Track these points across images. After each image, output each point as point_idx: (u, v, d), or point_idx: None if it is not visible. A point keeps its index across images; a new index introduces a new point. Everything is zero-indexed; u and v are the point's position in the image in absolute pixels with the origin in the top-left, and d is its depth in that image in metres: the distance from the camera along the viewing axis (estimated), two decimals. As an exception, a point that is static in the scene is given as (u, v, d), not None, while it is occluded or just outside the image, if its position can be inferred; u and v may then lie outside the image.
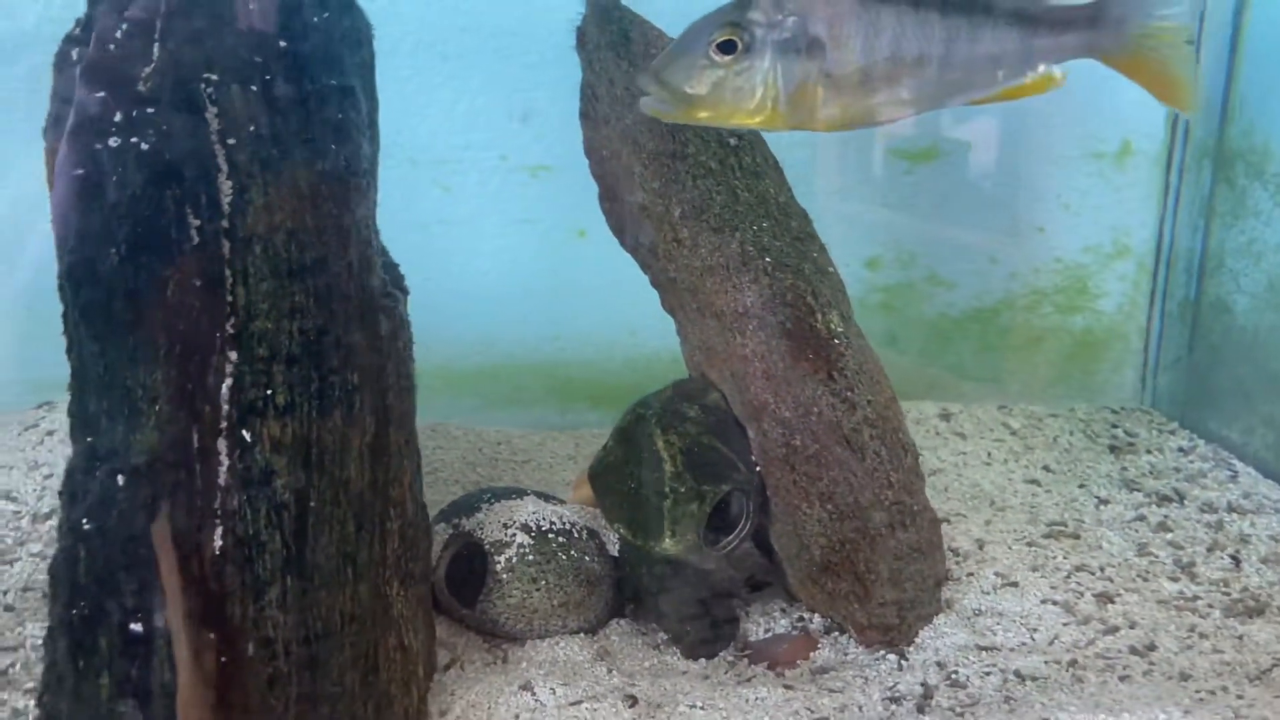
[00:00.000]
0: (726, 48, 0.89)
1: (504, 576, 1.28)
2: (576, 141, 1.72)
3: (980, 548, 1.40)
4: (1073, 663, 1.15)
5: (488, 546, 1.30)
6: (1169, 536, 1.44)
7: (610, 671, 1.25)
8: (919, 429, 1.80)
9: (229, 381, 0.95)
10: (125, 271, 0.93)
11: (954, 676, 1.14)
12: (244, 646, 0.95)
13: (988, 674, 1.14)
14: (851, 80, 0.92)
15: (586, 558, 1.32)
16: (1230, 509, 1.52)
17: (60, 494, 1.00)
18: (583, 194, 1.71)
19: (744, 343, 1.16)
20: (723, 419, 1.30)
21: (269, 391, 0.96)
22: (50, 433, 1.53)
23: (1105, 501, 1.55)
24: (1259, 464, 1.63)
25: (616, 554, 1.37)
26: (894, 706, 1.10)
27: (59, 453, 1.51)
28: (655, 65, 0.93)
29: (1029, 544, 1.42)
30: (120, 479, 0.94)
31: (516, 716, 1.18)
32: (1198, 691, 1.09)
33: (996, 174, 1.78)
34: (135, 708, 0.90)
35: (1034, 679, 1.12)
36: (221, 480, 0.95)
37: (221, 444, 0.96)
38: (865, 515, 1.17)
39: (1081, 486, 1.59)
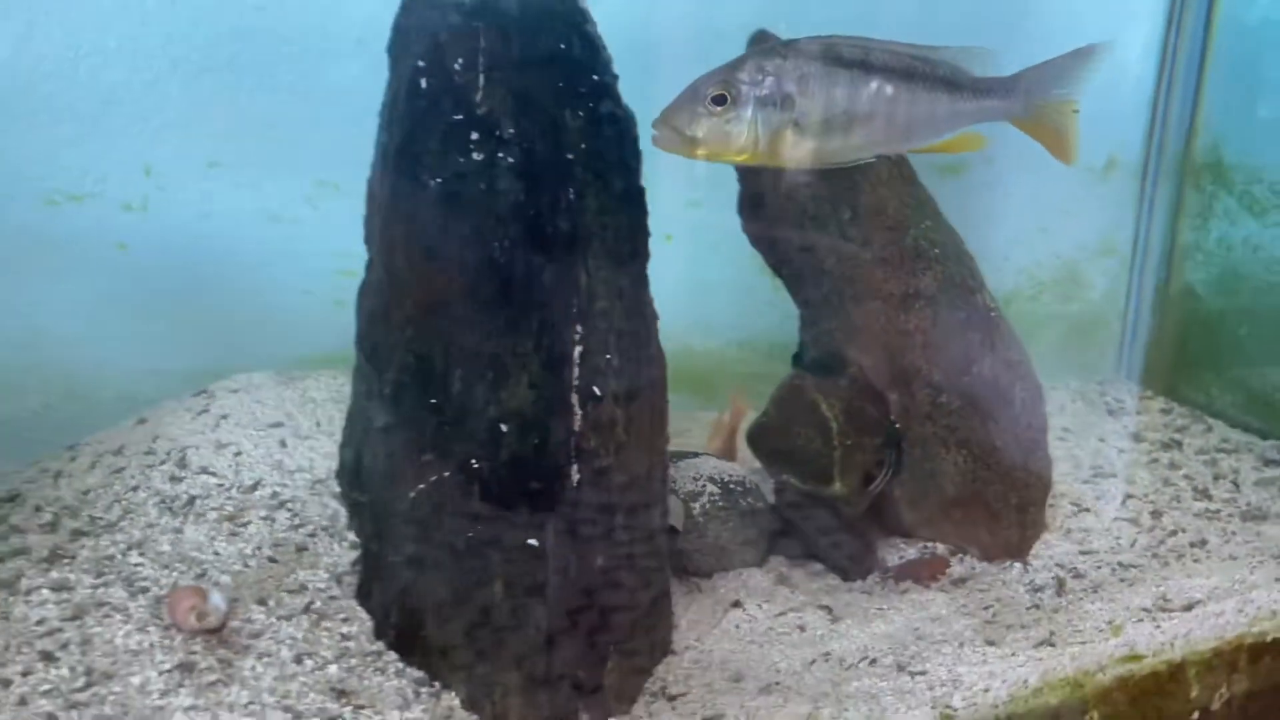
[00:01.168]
0: (719, 100, 1.25)
1: (700, 519, 1.68)
2: (661, 158, 2.12)
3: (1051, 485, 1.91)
4: (1155, 555, 1.67)
5: (683, 495, 1.69)
6: (1182, 472, 1.99)
7: (794, 592, 1.66)
8: None
9: (579, 349, 1.31)
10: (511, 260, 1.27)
11: (1074, 570, 1.63)
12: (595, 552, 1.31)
13: (1099, 568, 1.64)
14: (816, 128, 1.28)
15: (758, 504, 1.73)
16: (1218, 450, 2.09)
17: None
18: (669, 204, 2.11)
19: (907, 320, 1.61)
20: (864, 387, 1.74)
21: (608, 356, 1.32)
22: (224, 416, 1.79)
23: (1123, 451, 2.09)
24: (1225, 418, 2.21)
25: (773, 502, 1.79)
26: (1038, 594, 1.58)
27: (239, 434, 1.78)
28: (665, 111, 1.28)
29: (1084, 482, 1.93)
30: (503, 426, 1.28)
31: (737, 625, 1.57)
32: (1249, 566, 1.63)
33: (1010, 186, 2.30)
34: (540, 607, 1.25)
35: (1134, 566, 1.63)
36: (577, 426, 1.31)
37: (574, 397, 1.31)
38: (1000, 455, 1.64)
39: (1101, 440, 2.13)
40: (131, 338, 1.88)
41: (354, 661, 1.35)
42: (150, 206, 1.82)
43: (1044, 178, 2.31)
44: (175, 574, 1.49)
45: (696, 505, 1.65)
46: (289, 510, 1.65)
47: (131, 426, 1.81)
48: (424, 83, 1.32)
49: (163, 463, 1.72)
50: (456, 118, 1.30)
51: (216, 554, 1.55)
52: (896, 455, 1.70)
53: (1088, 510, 1.80)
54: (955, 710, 1.32)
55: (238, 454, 1.74)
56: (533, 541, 1.26)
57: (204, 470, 1.71)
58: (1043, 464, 1.67)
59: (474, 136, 1.31)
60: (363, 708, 1.27)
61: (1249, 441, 2.12)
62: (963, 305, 1.56)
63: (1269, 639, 1.51)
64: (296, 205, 1.93)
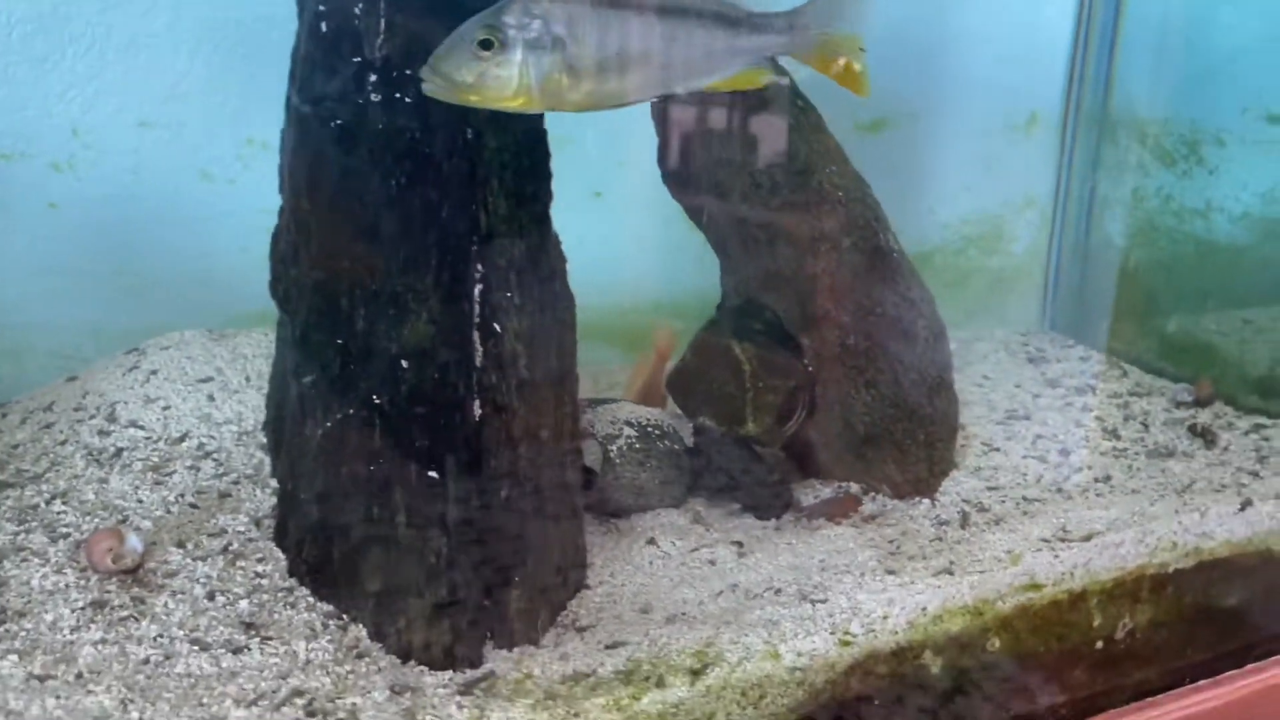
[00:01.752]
0: (486, 45, 1.16)
1: (618, 461, 1.67)
2: (593, 118, 2.12)
3: (963, 428, 1.91)
4: (1059, 490, 1.68)
5: (600, 439, 1.69)
6: (1093, 414, 2.00)
7: (709, 529, 1.66)
8: None
9: (479, 286, 1.31)
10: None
11: (979, 505, 1.64)
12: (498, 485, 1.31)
13: (1003, 502, 1.64)
14: (589, 71, 1.20)
15: (675, 446, 1.73)
16: (1130, 394, 2.10)
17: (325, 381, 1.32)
18: (599, 162, 2.11)
19: (815, 263, 1.61)
20: (779, 332, 1.74)
21: (508, 294, 1.32)
22: (154, 372, 1.77)
23: (1038, 395, 2.09)
24: (1141, 364, 2.22)
25: (690, 445, 1.79)
26: (943, 527, 1.58)
27: (168, 389, 1.76)
28: (433, 58, 1.17)
29: (997, 423, 1.94)
30: (404, 363, 1.27)
31: (650, 562, 1.57)
32: (1150, 499, 1.64)
33: (935, 143, 2.30)
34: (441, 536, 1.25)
35: (1038, 500, 1.64)
36: (478, 361, 1.30)
37: (474, 334, 1.31)
38: (907, 393, 1.65)
39: (1017, 386, 2.13)
40: (65, 297, 1.86)
41: (265, 597, 1.35)
42: (79, 166, 1.81)
43: (967, 135, 2.33)
44: (97, 520, 1.48)
45: (613, 448, 1.65)
46: (214, 460, 1.63)
47: (63, 383, 1.79)
48: (324, 26, 1.32)
49: (92, 417, 1.71)
50: (355, 60, 1.30)
51: (140, 501, 1.54)
52: (809, 397, 1.70)
53: (998, 450, 1.81)
54: (855, 636, 1.33)
55: (166, 408, 1.73)
56: (433, 474, 1.26)
57: (132, 424, 1.69)
58: (948, 402, 1.67)
59: (372, 78, 1.30)
60: (270, 639, 1.27)
61: (1162, 386, 2.13)
62: (866, 247, 1.56)
63: (1170, 569, 1.52)
64: (229, 163, 1.92)
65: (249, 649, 1.25)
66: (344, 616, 1.32)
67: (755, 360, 1.66)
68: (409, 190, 1.26)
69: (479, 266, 1.29)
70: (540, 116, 1.38)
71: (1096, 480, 1.71)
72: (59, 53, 1.79)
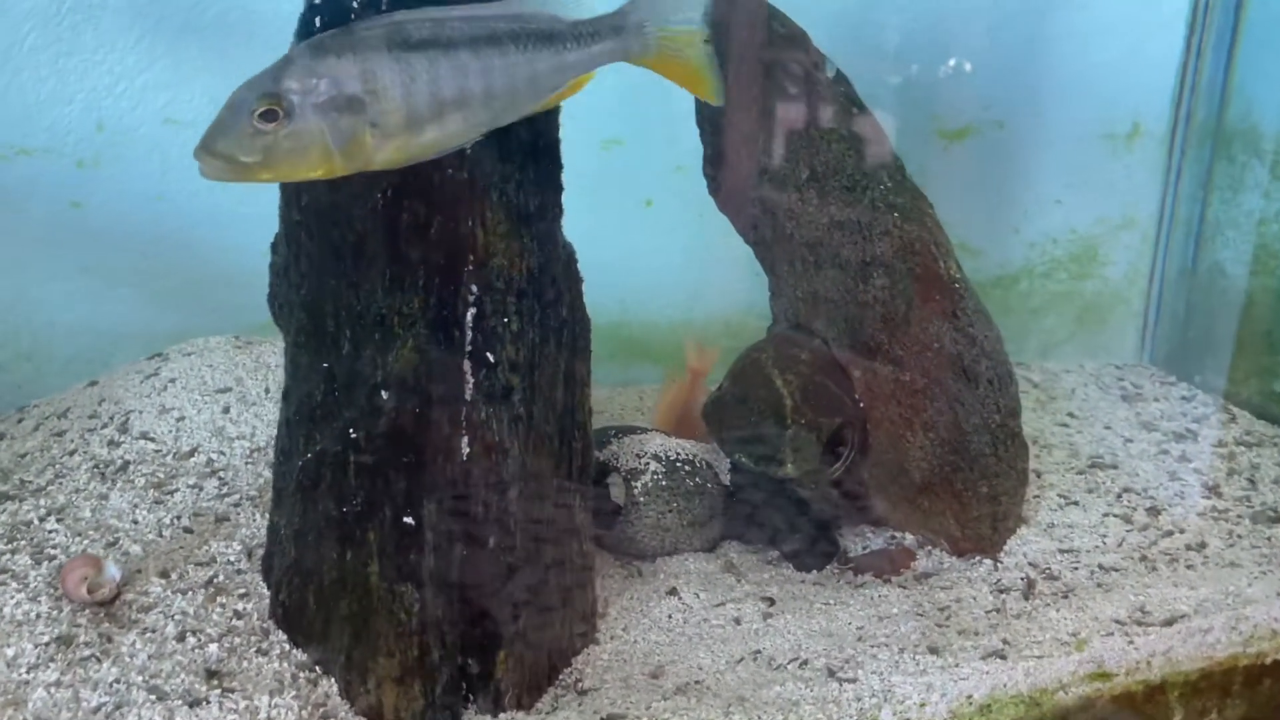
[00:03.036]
0: (268, 116, 0.97)
1: (641, 499, 1.49)
2: (645, 117, 1.94)
3: (1038, 476, 1.67)
4: (1143, 558, 1.43)
5: (624, 473, 1.51)
6: (1192, 465, 1.74)
7: (740, 580, 1.47)
8: None
9: (472, 311, 1.14)
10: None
11: (1048, 571, 1.40)
12: (487, 534, 1.14)
13: (1075, 569, 1.41)
14: (398, 126, 1.00)
15: (708, 484, 1.54)
16: (1237, 443, 1.82)
17: (305, 413, 1.18)
18: (650, 167, 1.92)
19: (866, 289, 1.40)
20: (828, 362, 1.54)
21: (505, 319, 1.15)
22: (173, 380, 1.66)
23: (1130, 440, 1.84)
24: (1252, 408, 1.94)
25: (728, 483, 1.60)
26: (1003, 596, 1.36)
27: (185, 398, 1.65)
28: (205, 139, 0.98)
29: (1078, 473, 1.69)
30: (384, 394, 1.12)
31: (669, 615, 1.39)
32: (1249, 575, 1.38)
33: (1023, 153, 2.05)
34: (413, 591, 1.09)
35: (1116, 570, 1.39)
36: (468, 395, 1.14)
37: (467, 364, 1.15)
38: (969, 439, 1.42)
39: (1107, 428, 1.88)
40: (89, 299, 1.76)
41: (239, 641, 1.21)
42: (103, 162, 1.70)
43: (1060, 145, 2.07)
44: (86, 542, 1.37)
45: (638, 484, 1.47)
46: (219, 478, 1.51)
47: (82, 389, 1.70)
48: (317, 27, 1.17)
49: (104, 426, 1.60)
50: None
51: (135, 522, 1.42)
52: (861, 436, 1.49)
53: (1076, 504, 1.56)
54: None
55: (180, 419, 1.61)
56: (408, 520, 1.09)
57: (143, 435, 1.58)
58: (1016, 452, 1.44)
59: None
60: (232, 691, 1.12)
61: (1276, 435, 1.84)
62: (923, 274, 1.34)
63: (1269, 660, 1.27)
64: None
65: (208, 701, 1.11)
66: (316, 669, 1.17)
67: (799, 393, 1.45)
68: (395, 203, 1.10)
69: (473, 289, 1.13)
70: (547, 121, 1.20)
71: (1189, 548, 1.45)
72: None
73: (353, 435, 1.11)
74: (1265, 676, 1.28)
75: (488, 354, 1.13)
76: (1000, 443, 1.41)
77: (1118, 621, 1.25)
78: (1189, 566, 1.40)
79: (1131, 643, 1.21)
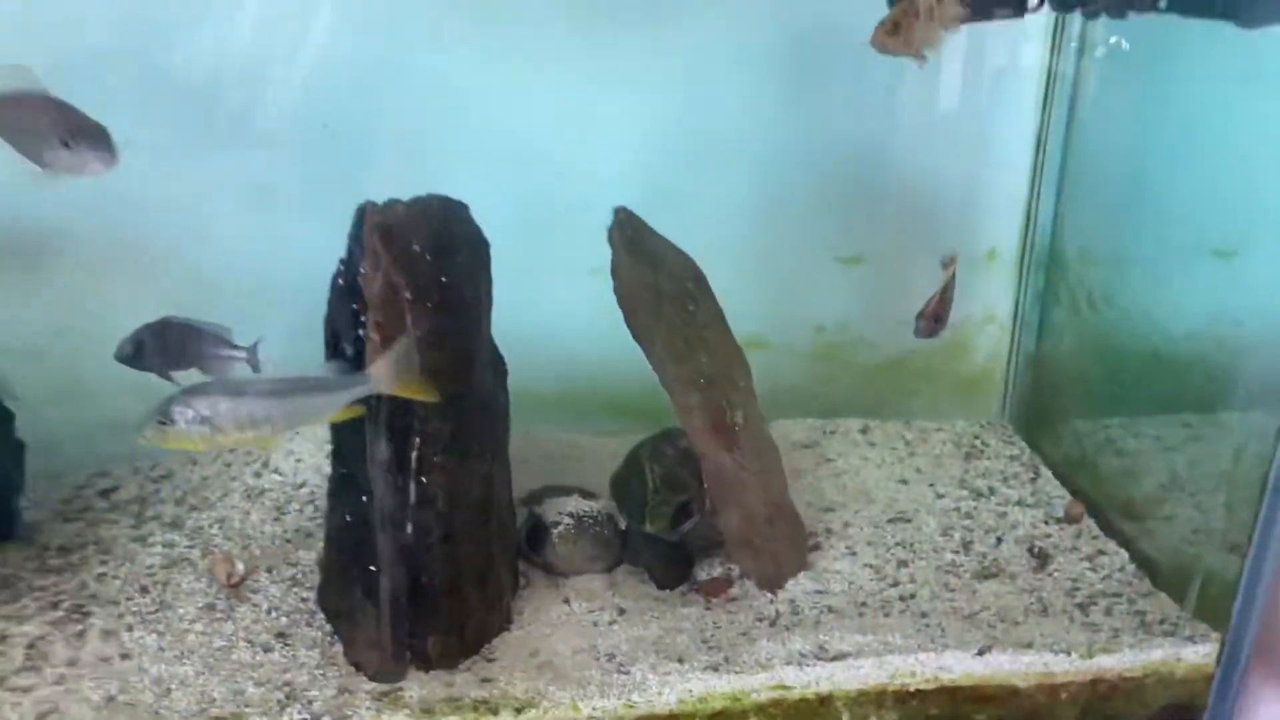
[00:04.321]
0: (162, 421, 1.59)
1: (555, 540, 2.20)
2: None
3: (845, 528, 2.28)
4: (862, 604, 2.02)
5: (548, 523, 2.24)
6: (966, 523, 2.28)
7: (614, 594, 2.12)
8: (844, 439, 2.66)
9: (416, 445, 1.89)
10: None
11: (796, 608, 2.05)
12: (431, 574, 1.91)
13: (814, 608, 2.04)
14: (230, 432, 1.60)
15: (605, 530, 2.22)
16: (1017, 503, 2.34)
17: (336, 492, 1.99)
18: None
19: (692, 422, 2.05)
20: (689, 455, 2.20)
21: (435, 456, 1.90)
22: (298, 432, 2.53)
23: (941, 496, 2.39)
24: (1055, 469, 2.46)
25: (623, 528, 2.31)
26: (759, 623, 2.02)
27: (303, 445, 2.51)
28: (144, 416, 1.61)
29: (875, 526, 2.27)
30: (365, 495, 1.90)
31: (558, 616, 2.07)
32: (925, 622, 1.98)
33: (908, 273, 2.58)
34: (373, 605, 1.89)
35: (835, 612, 2.02)
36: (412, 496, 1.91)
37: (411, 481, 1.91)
38: (756, 514, 2.08)
39: (931, 486, 2.44)
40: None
41: (299, 617, 2.04)
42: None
43: (935, 266, 2.60)
44: (231, 545, 2.26)
45: (555, 531, 2.20)
46: (315, 505, 2.35)
47: (244, 433, 2.59)
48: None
49: (254, 462, 2.49)
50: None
51: (263, 533, 2.28)
52: (701, 505, 2.17)
53: (853, 554, 2.18)
54: (635, 704, 1.84)
55: (298, 460, 2.48)
56: (373, 567, 1.89)
57: (275, 470, 2.46)
58: (786, 521, 2.09)
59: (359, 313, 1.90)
60: (289, 645, 1.96)
61: (1057, 496, 2.37)
62: (715, 422, 2.00)
63: (912, 689, 1.89)
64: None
65: (274, 649, 1.96)
66: (334, 636, 2.00)
67: (659, 478, 2.14)
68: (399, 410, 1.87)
69: (416, 443, 1.88)
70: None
71: (900, 598, 2.06)
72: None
73: (349, 514, 1.92)
74: (910, 699, 1.89)
75: (422, 478, 1.89)
76: (774, 519, 2.07)
77: (801, 653, 1.87)
78: (884, 612, 2.01)
79: (802, 670, 1.85)
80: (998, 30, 2.30)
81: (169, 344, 1.92)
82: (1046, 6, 2.09)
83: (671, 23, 2.31)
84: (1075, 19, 2.32)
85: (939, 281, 2.10)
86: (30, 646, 1.94)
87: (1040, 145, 2.46)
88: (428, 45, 2.31)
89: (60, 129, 1.66)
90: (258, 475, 2.44)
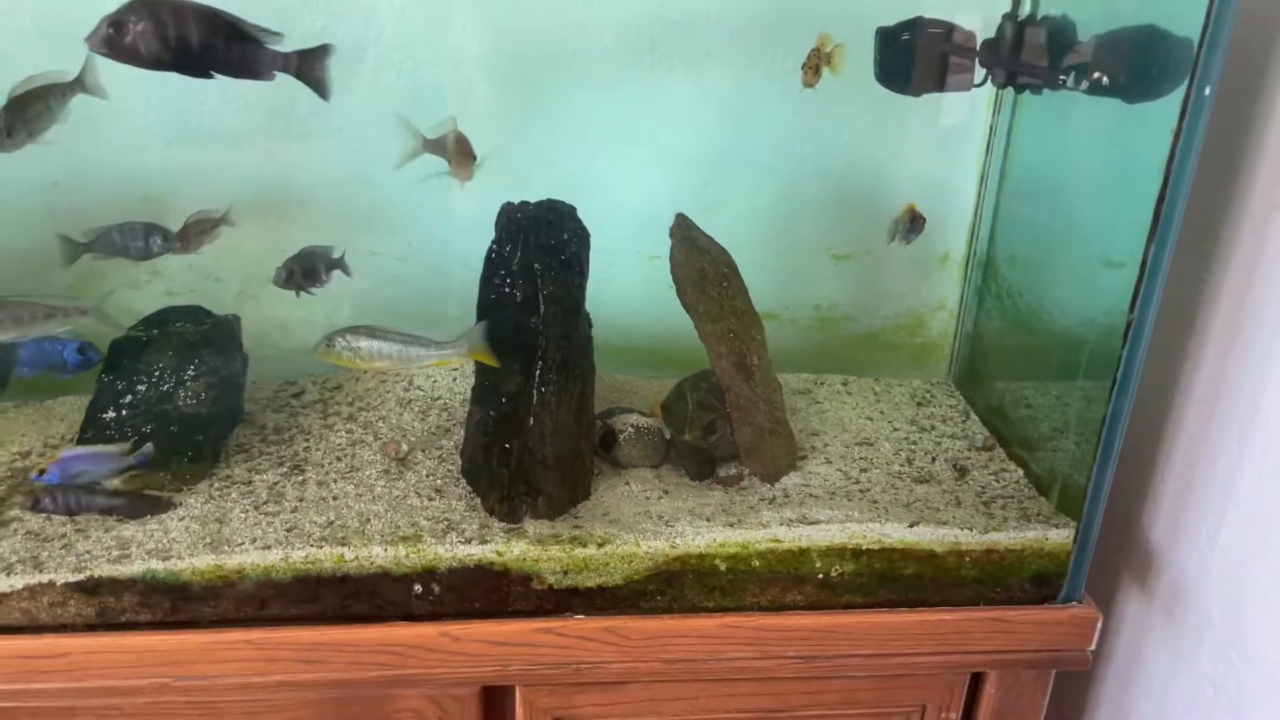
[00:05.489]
0: (329, 344, 2.40)
1: (622, 443, 3.04)
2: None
3: (825, 447, 3.09)
4: (832, 493, 2.80)
5: (616, 431, 3.08)
6: (911, 447, 3.07)
7: (661, 482, 2.94)
8: (829, 389, 3.45)
9: (539, 366, 2.72)
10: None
11: (787, 493, 2.87)
12: (543, 453, 2.74)
13: (799, 494, 2.80)
14: (365, 359, 2.57)
15: (655, 438, 3.04)
16: (949, 436, 3.10)
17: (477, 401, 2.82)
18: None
19: (721, 363, 2.88)
20: (717, 388, 3.01)
21: (551, 374, 2.72)
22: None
23: (896, 430, 3.14)
24: (981, 416, 3.25)
25: (668, 438, 3.14)
26: (761, 502, 2.83)
27: (439, 372, 3.35)
28: (315, 347, 2.45)
29: (846, 446, 2.98)
30: (504, 398, 2.73)
31: (622, 493, 2.88)
32: (875, 506, 2.78)
33: (884, 269, 3.39)
34: (500, 470, 2.73)
35: (814, 497, 2.80)
36: (534, 400, 2.73)
37: (535, 389, 2.74)
38: (763, 428, 2.91)
39: (889, 422, 3.24)
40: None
41: (448, 480, 2.89)
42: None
43: (906, 265, 3.41)
44: (393, 433, 3.10)
45: (621, 436, 3.03)
46: (448, 412, 3.19)
47: (393, 359, 3.42)
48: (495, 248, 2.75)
49: (400, 381, 3.34)
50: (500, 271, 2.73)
51: (414, 427, 3.11)
52: (726, 422, 3.00)
53: (829, 463, 2.99)
54: (676, 545, 2.68)
55: (434, 380, 3.32)
56: (506, 445, 2.72)
57: (417, 388, 3.30)
58: (783, 436, 2.91)
59: (504, 276, 2.73)
60: (444, 497, 2.78)
61: (979, 433, 3.19)
62: (739, 361, 2.83)
63: (863, 548, 2.70)
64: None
65: (435, 499, 2.80)
66: (474, 494, 2.84)
67: (696, 402, 2.98)
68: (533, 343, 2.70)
69: (539, 366, 2.71)
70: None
71: (860, 491, 2.87)
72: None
73: (492, 410, 2.75)
74: (862, 555, 2.70)
75: (541, 388, 2.72)
76: (774, 431, 2.90)
77: (788, 520, 2.70)
78: (848, 498, 2.82)
79: (789, 529, 2.69)
80: (956, 95, 3.08)
81: (304, 268, 2.75)
82: (988, 84, 2.89)
83: (714, 63, 3.11)
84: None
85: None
86: (270, 488, 2.79)
87: (983, 176, 3.24)
88: (562, 84, 3.09)
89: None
90: (405, 390, 3.28)
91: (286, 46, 1.92)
